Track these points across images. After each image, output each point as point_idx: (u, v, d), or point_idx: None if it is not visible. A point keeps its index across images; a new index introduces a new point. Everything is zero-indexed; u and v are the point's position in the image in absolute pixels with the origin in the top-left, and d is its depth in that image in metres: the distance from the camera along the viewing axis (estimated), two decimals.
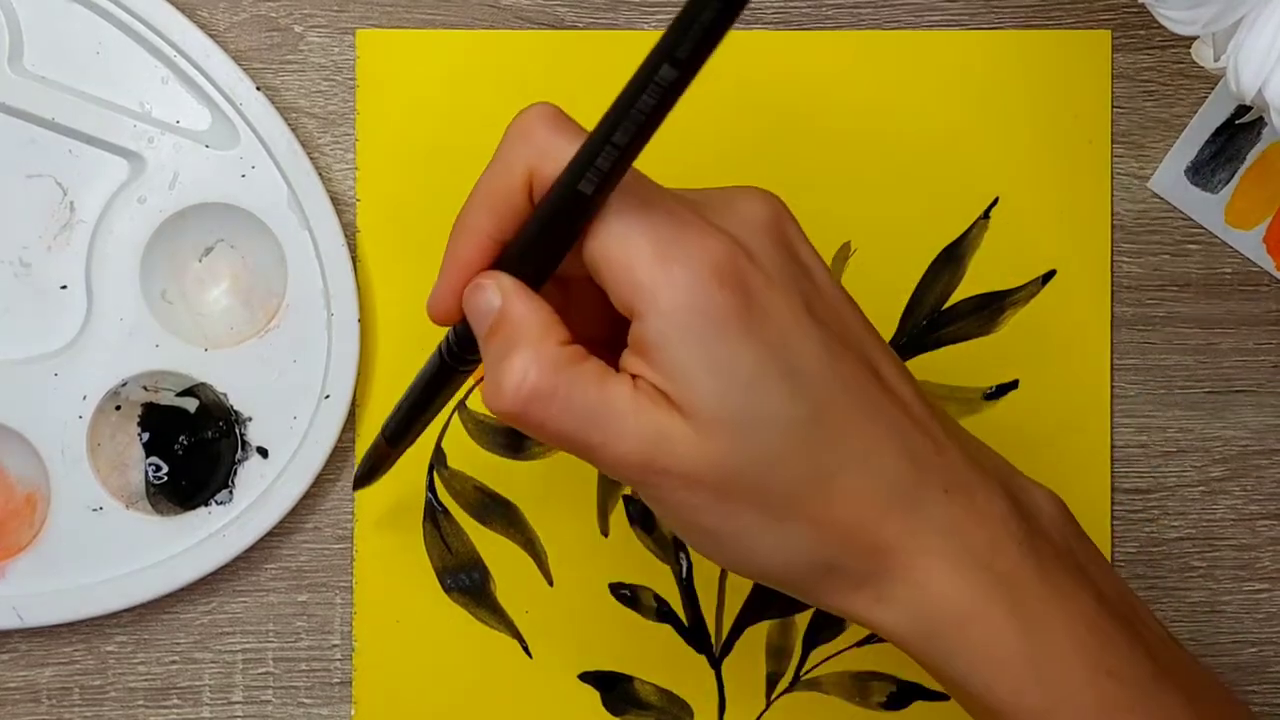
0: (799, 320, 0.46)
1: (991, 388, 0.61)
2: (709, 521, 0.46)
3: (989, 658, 0.47)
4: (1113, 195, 0.61)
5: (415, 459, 0.60)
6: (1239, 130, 0.61)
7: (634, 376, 0.46)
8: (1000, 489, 0.48)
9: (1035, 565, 0.47)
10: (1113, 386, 0.61)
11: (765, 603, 0.61)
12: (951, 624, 0.47)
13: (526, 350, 0.46)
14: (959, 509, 0.47)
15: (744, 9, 0.42)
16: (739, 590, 0.61)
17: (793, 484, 0.46)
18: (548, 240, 0.46)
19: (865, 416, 0.46)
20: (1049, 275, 0.61)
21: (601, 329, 0.48)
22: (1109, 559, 0.61)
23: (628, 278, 0.45)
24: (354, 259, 0.60)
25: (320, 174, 0.59)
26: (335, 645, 0.60)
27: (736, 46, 0.60)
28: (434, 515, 0.60)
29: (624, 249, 0.45)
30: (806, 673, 0.61)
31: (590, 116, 0.60)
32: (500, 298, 0.46)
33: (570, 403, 0.45)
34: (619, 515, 0.60)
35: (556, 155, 0.46)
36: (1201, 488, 0.61)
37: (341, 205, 0.60)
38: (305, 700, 0.60)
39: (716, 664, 0.61)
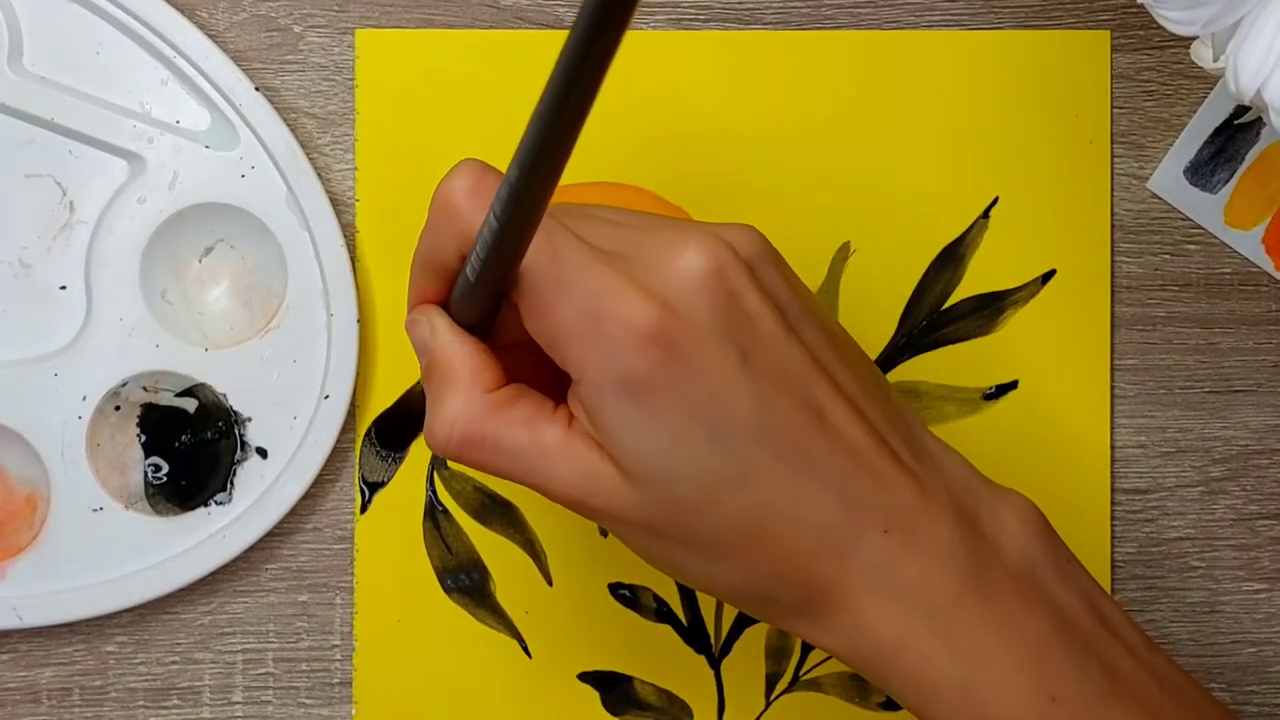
0: (731, 376, 0.47)
1: (991, 388, 0.61)
2: (647, 551, 0.49)
3: (922, 685, 0.48)
4: (1112, 195, 0.61)
5: (415, 459, 0.60)
6: (1238, 130, 0.61)
7: (572, 416, 0.48)
8: (950, 517, 0.48)
9: (978, 593, 0.48)
10: (1113, 386, 0.61)
11: None
12: (886, 653, 0.48)
13: (456, 397, 0.48)
14: (895, 547, 0.48)
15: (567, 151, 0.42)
16: None
17: (718, 532, 0.47)
18: (476, 298, 0.48)
19: (796, 468, 0.47)
20: (1049, 275, 0.61)
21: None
22: (1108, 559, 0.61)
23: (557, 351, 0.47)
24: (353, 259, 0.60)
25: (320, 174, 0.59)
26: (335, 645, 0.60)
27: (737, 46, 0.60)
28: (434, 515, 0.60)
29: (546, 319, 0.47)
30: (806, 673, 0.61)
31: (591, 118, 0.60)
32: (431, 339, 0.49)
33: (500, 447, 0.48)
34: None
35: (478, 227, 0.47)
36: (1201, 488, 0.61)
37: (341, 205, 0.60)
38: (306, 701, 0.60)
39: (716, 664, 0.61)
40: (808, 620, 0.48)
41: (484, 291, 0.47)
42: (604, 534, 0.61)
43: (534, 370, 0.49)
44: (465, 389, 0.48)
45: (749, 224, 0.49)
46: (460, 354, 0.48)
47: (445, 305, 0.50)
